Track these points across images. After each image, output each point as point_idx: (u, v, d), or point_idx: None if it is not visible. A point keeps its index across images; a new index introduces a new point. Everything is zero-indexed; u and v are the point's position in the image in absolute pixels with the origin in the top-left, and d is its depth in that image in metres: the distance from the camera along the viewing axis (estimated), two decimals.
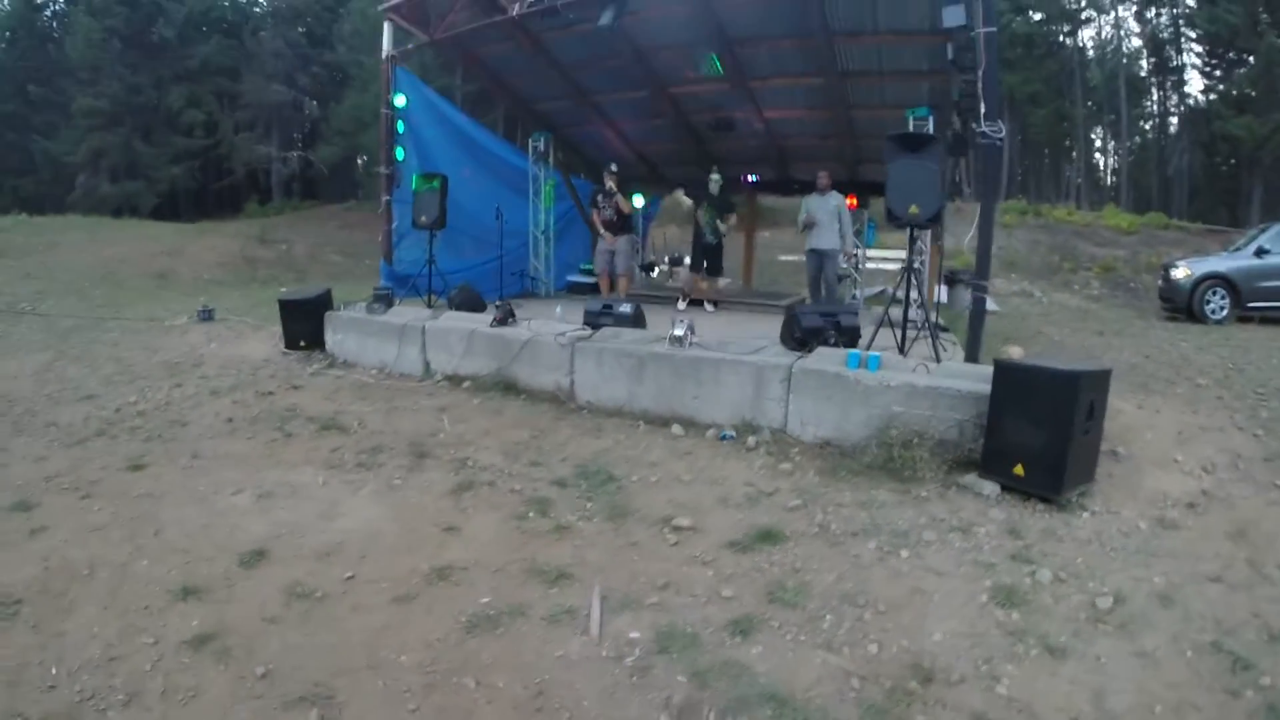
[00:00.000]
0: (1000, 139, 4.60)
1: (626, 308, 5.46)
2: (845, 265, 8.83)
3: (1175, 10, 27.44)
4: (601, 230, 8.24)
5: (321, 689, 2.18)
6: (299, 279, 18.08)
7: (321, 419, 4.72)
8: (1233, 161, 26.57)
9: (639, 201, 11.03)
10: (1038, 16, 30.51)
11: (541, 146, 9.71)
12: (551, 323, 6.14)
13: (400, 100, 7.98)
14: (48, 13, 34.02)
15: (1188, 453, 3.85)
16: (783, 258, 16.07)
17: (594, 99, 9.50)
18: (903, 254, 7.95)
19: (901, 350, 4.83)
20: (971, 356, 4.76)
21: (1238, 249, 10.40)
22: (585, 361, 5.30)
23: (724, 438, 4.46)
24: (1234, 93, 24.37)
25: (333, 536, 3.11)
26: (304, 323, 6.95)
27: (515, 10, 6.49)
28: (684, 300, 8.81)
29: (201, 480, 3.75)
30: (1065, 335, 8.75)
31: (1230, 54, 25.48)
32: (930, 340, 6.01)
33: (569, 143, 10.76)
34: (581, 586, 2.76)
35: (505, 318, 6.22)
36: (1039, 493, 3.43)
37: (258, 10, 34.24)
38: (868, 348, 4.67)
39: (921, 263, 7.90)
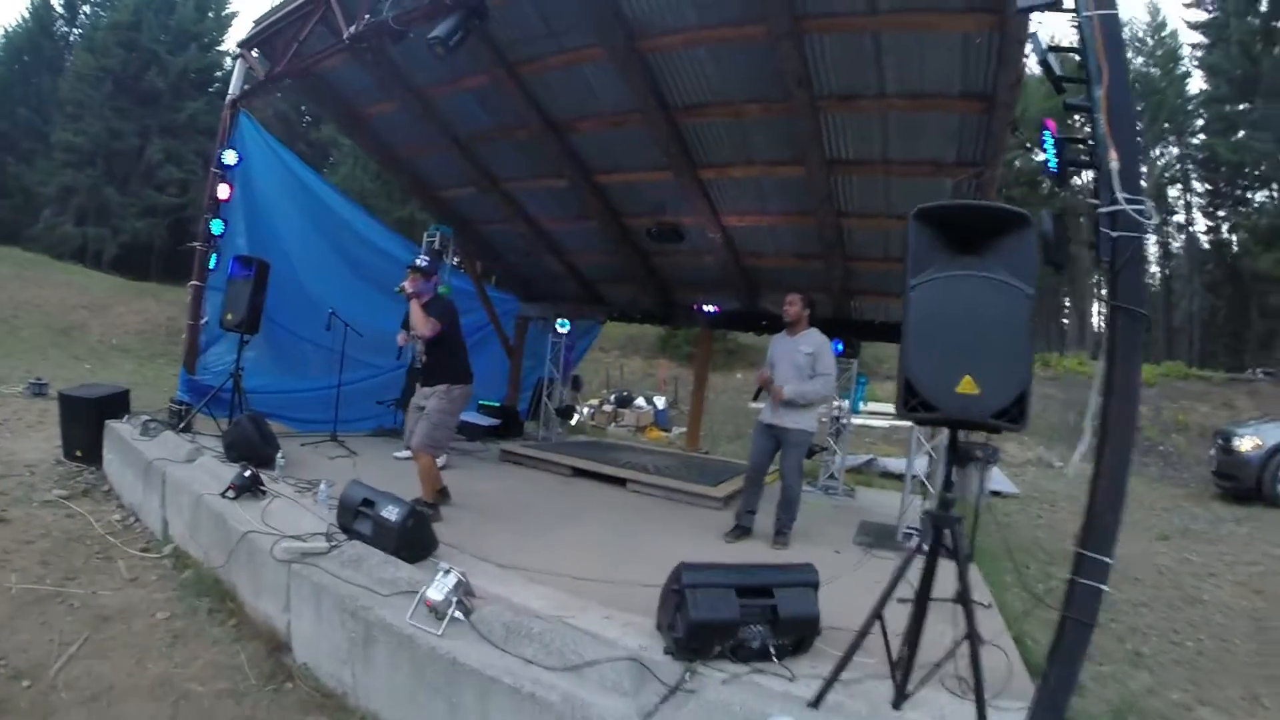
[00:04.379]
0: (1150, 221, 2.14)
1: (393, 511, 3.01)
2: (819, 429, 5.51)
3: (1183, 148, 26.56)
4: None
5: None
6: None
7: None
8: (1248, 303, 24.57)
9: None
10: (1040, 156, 29.92)
11: (437, 243, 7.53)
12: (300, 508, 3.67)
13: (230, 157, 5.83)
14: (60, 41, 33.19)
15: None
16: (755, 405, 13.38)
17: (504, 185, 7.26)
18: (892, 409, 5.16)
19: (899, 697, 2.17)
20: None
21: None
22: (303, 598, 2.91)
23: None
24: (1262, 222, 22.49)
25: None
26: (85, 428, 5.44)
27: (348, 31, 4.44)
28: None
29: None
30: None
31: (1243, 188, 24.07)
32: (972, 667, 2.66)
33: (486, 245, 8.48)
34: None
35: (246, 486, 3.79)
36: None
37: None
38: (836, 673, 2.15)
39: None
